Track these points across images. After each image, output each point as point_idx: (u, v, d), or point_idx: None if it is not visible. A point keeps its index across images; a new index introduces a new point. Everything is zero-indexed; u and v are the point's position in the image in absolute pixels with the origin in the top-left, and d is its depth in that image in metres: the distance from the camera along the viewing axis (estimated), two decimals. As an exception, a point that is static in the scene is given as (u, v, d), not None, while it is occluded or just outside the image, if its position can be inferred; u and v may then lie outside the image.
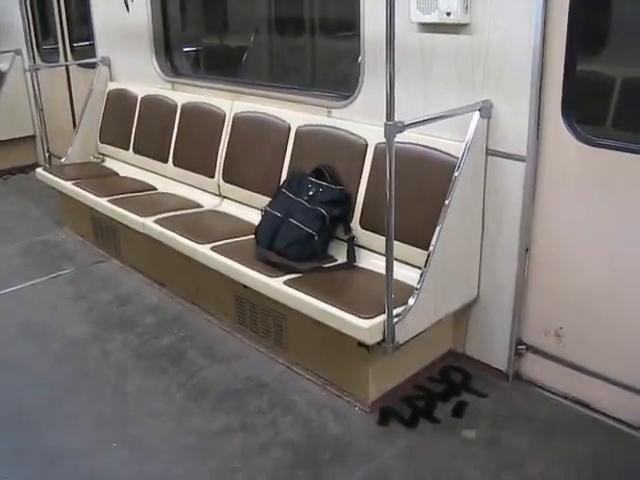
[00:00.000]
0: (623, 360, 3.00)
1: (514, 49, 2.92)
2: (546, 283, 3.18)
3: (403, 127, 2.60)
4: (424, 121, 2.89)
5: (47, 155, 6.20)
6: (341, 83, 4.44)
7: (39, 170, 5.54)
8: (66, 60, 6.61)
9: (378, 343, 2.91)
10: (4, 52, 7.34)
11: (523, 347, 3.34)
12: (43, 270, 4.85)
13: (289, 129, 4.00)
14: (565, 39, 2.80)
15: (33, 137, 7.41)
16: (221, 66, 5.84)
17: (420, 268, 3.08)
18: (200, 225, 4.19)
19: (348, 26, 4.01)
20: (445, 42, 3.16)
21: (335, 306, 3.00)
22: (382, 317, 2.88)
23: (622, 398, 3.03)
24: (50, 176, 5.35)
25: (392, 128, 2.57)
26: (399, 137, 2.63)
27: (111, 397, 3.39)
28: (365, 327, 2.87)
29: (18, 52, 7.14)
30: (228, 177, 4.44)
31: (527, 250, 3.17)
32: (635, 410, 3.00)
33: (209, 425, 3.14)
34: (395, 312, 2.89)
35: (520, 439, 2.99)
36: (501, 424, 3.09)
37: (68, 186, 5.11)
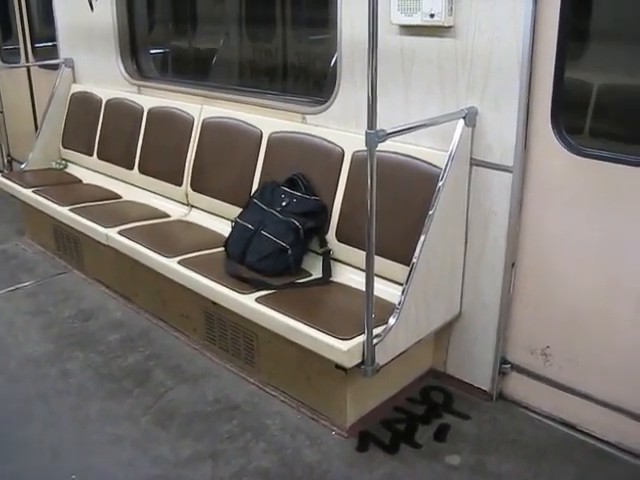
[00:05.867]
0: (613, 381, 2.87)
1: (501, 54, 2.77)
2: (533, 300, 3.04)
3: (385, 136, 2.42)
4: (407, 129, 2.73)
5: (7, 160, 5.96)
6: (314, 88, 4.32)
7: (-3, 176, 5.29)
8: (27, 61, 6.35)
9: (357, 365, 2.74)
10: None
11: (508, 366, 3.20)
12: (0, 283, 4.60)
13: (261, 135, 3.82)
14: (555, 44, 2.65)
15: (-8, 141, 7.15)
16: (190, 69, 5.66)
17: (400, 284, 2.93)
18: (167, 236, 3.99)
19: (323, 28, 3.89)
20: (428, 46, 3.00)
21: (311, 326, 2.82)
22: (361, 338, 2.70)
23: (611, 420, 2.91)
24: (9, 183, 5.08)
25: (373, 137, 2.39)
26: (379, 146, 2.45)
27: (70, 422, 3.17)
28: (344, 349, 2.68)
29: (-24, 53, 6.86)
30: (197, 185, 4.25)
31: (513, 265, 3.03)
32: (624, 432, 2.88)
33: (176, 453, 2.94)
34: (375, 332, 2.71)
35: (506, 464, 2.86)
36: (485, 448, 2.95)
37: (28, 194, 4.86)
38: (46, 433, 3.09)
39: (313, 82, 4.61)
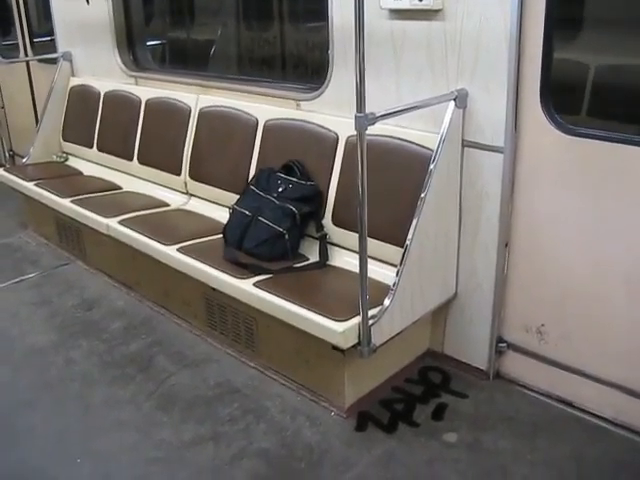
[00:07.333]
0: (607, 357, 2.90)
1: (489, 35, 2.79)
2: (527, 279, 3.07)
3: (375, 119, 2.46)
4: (397, 112, 2.76)
5: (9, 154, 5.99)
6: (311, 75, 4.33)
7: None
8: (26, 56, 6.39)
9: (354, 346, 2.77)
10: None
11: (504, 345, 3.23)
12: (4, 275, 4.65)
13: (257, 123, 3.85)
14: (543, 25, 2.67)
15: (-6, 136, 7.19)
16: (188, 60, 5.69)
17: (395, 266, 2.95)
18: (166, 225, 4.03)
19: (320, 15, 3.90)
20: (417, 29, 3.02)
21: (307, 308, 2.86)
22: (357, 319, 2.74)
23: (606, 396, 2.94)
24: (11, 177, 5.13)
25: (363, 120, 2.42)
26: (371, 129, 2.48)
27: (75, 408, 3.22)
28: (339, 330, 2.72)
29: (-24, 49, 6.89)
30: (195, 174, 4.28)
31: (507, 245, 3.06)
32: (619, 408, 2.92)
33: (178, 436, 2.99)
34: (370, 313, 2.75)
35: (502, 441, 2.89)
36: (482, 426, 2.98)
37: (30, 187, 4.91)
38: (51, 419, 3.14)
39: (312, 70, 4.63)
